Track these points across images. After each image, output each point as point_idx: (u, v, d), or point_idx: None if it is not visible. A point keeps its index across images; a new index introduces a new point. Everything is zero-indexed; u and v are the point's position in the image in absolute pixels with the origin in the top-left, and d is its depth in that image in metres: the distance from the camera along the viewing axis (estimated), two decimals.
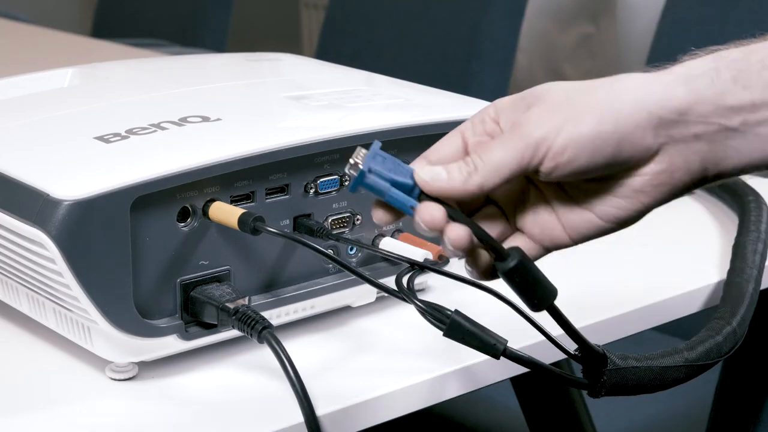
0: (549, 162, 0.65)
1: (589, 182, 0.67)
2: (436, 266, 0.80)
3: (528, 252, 0.68)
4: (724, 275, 0.92)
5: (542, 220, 0.69)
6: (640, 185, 0.66)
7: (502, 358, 0.68)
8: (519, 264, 0.66)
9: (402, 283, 0.72)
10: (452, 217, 0.66)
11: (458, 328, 0.69)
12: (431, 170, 0.66)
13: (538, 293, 0.67)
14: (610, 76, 0.69)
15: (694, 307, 0.92)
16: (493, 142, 0.66)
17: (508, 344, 0.69)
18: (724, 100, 0.64)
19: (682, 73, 0.66)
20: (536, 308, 0.68)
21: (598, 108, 0.65)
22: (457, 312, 0.69)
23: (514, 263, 0.66)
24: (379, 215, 0.67)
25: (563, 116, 0.65)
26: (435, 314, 0.69)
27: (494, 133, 0.68)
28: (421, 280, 0.86)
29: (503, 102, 0.70)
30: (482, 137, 0.68)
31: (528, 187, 0.70)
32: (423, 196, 0.66)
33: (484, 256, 0.68)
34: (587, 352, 0.72)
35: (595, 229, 0.68)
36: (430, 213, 0.65)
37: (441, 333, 0.69)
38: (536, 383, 1.28)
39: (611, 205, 0.67)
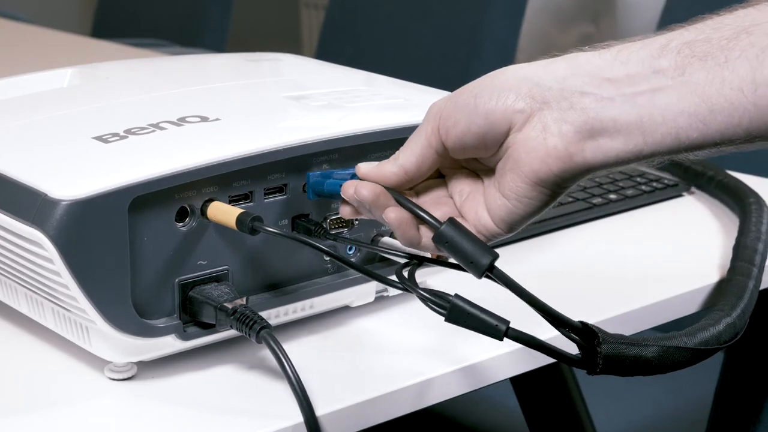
0: (443, 130, 0.71)
1: (490, 159, 0.71)
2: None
3: None
4: (724, 275, 0.92)
5: (473, 210, 0.72)
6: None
7: (505, 339, 0.69)
8: (446, 228, 0.70)
9: (402, 274, 0.72)
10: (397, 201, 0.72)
11: (459, 311, 0.69)
12: (368, 163, 0.73)
13: (470, 256, 0.69)
14: None
15: (694, 307, 0.92)
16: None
17: (510, 325, 0.69)
18: (602, 73, 0.68)
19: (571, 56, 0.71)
20: (476, 272, 0.70)
21: (485, 79, 0.71)
22: (457, 296, 0.69)
23: (441, 228, 0.70)
24: (343, 210, 0.74)
25: (459, 91, 0.71)
26: (436, 301, 0.70)
27: None
28: (420, 280, 0.86)
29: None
30: None
31: (467, 179, 0.74)
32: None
33: (426, 233, 0.72)
34: (581, 329, 0.72)
35: (506, 210, 0.71)
36: (368, 188, 0.71)
37: (443, 319, 0.69)
38: (536, 383, 1.28)
39: (509, 178, 0.70)
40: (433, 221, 0.71)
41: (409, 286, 0.72)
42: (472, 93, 0.70)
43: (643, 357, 0.73)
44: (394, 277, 0.73)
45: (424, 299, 0.70)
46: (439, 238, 0.70)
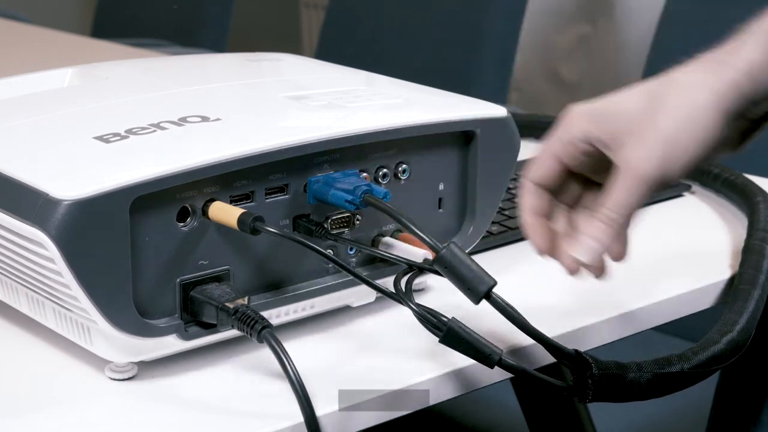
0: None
1: None
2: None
3: None
4: (728, 275, 0.92)
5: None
6: None
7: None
8: (446, 252, 0.71)
9: (399, 286, 0.73)
10: None
11: (455, 336, 0.71)
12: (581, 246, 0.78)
13: (468, 282, 0.71)
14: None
15: (697, 306, 0.92)
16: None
17: (503, 354, 0.70)
18: None
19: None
20: (473, 297, 0.71)
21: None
22: (453, 320, 0.70)
23: (441, 252, 0.71)
24: None
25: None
26: (431, 320, 0.71)
27: (588, 152, 0.78)
28: (420, 279, 0.86)
29: (582, 122, 0.78)
30: (580, 158, 0.79)
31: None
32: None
33: None
34: (574, 356, 0.72)
35: None
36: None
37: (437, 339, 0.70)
38: (536, 383, 1.28)
39: None
40: (433, 244, 0.72)
41: (405, 300, 0.73)
42: None
43: (636, 383, 0.74)
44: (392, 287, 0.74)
45: (419, 317, 0.72)
46: (439, 262, 0.72)
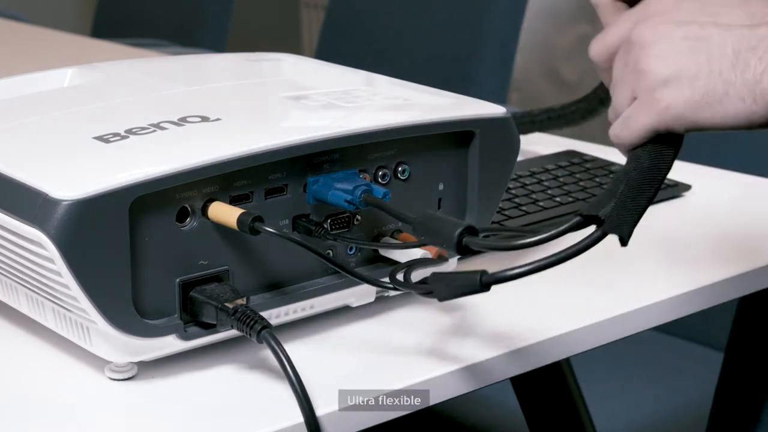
0: None
1: None
2: (436, 263, 0.81)
3: None
4: (728, 275, 0.92)
5: None
6: None
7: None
8: (419, 217, 0.74)
9: (395, 277, 0.73)
10: None
11: (441, 287, 0.71)
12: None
13: (442, 234, 0.72)
14: None
15: (697, 306, 0.92)
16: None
17: (484, 274, 0.70)
18: None
19: None
20: (451, 247, 0.72)
21: None
22: (434, 274, 0.72)
23: (413, 220, 0.75)
24: None
25: None
26: (423, 288, 0.72)
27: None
28: (420, 271, 0.86)
29: None
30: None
31: None
32: None
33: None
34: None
35: None
36: None
37: (437, 301, 0.73)
38: (536, 383, 1.28)
39: None
40: (407, 216, 0.74)
41: (397, 283, 0.73)
42: None
43: None
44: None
45: (413, 290, 0.73)
46: (416, 228, 0.73)
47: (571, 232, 0.70)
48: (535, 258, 0.69)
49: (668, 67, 0.68)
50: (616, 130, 0.72)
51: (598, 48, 0.74)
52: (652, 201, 0.70)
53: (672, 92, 0.68)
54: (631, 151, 0.71)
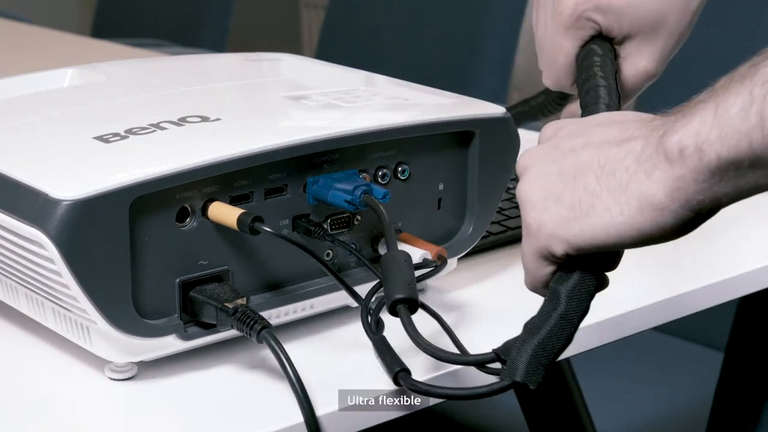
0: None
1: None
2: (435, 267, 0.81)
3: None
4: (728, 275, 0.92)
5: None
6: None
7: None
8: (384, 257, 0.76)
9: (368, 301, 0.76)
10: None
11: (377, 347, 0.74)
12: None
13: (387, 288, 0.74)
14: None
15: (697, 306, 0.92)
16: None
17: (401, 372, 0.72)
18: None
19: None
20: (387, 304, 0.74)
21: None
22: (382, 338, 0.74)
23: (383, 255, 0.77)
24: None
25: None
26: (370, 333, 0.74)
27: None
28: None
29: None
30: None
31: None
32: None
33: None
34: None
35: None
36: None
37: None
38: None
39: None
40: (392, 246, 0.76)
41: (365, 323, 0.75)
42: None
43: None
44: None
45: (367, 332, 0.75)
46: (382, 261, 0.75)
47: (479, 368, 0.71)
48: None
49: (538, 191, 0.66)
50: (525, 282, 0.71)
51: None
52: (568, 345, 0.68)
53: (540, 212, 0.66)
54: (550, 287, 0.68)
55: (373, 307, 0.75)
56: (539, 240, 0.66)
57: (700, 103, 0.60)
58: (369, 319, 0.75)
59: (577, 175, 0.65)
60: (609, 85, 0.77)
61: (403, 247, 0.83)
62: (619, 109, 0.76)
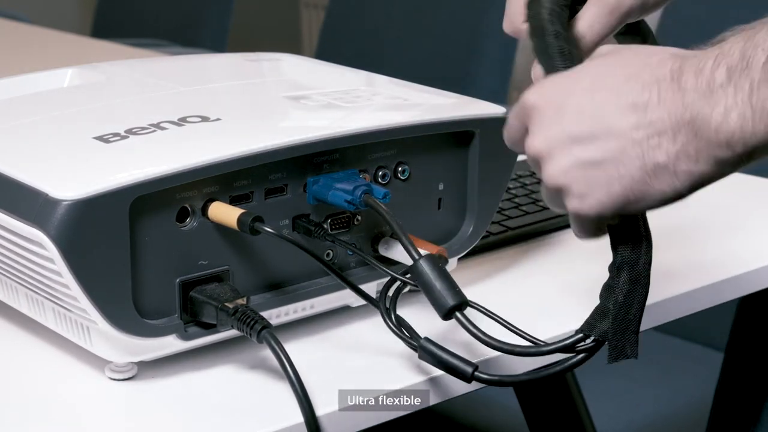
0: None
1: None
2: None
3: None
4: (728, 275, 0.92)
5: None
6: None
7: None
8: (422, 262, 0.72)
9: (384, 301, 0.74)
10: None
11: (428, 353, 0.72)
12: None
13: (437, 298, 0.72)
14: None
15: (697, 306, 0.92)
16: None
17: (477, 369, 0.71)
18: None
19: None
20: (440, 312, 0.72)
21: None
22: (426, 339, 0.73)
23: (417, 261, 0.72)
24: None
25: None
26: (407, 338, 0.74)
27: None
28: None
29: None
30: None
31: None
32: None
33: None
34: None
35: None
36: None
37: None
38: (536, 383, 1.28)
39: None
40: (414, 252, 0.73)
41: (384, 316, 0.74)
42: None
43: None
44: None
45: (396, 333, 0.74)
46: (412, 270, 0.73)
47: (569, 353, 0.71)
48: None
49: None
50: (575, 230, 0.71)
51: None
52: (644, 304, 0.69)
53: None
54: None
55: (388, 305, 0.75)
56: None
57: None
58: (392, 317, 0.75)
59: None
60: (557, 33, 0.72)
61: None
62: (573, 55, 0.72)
